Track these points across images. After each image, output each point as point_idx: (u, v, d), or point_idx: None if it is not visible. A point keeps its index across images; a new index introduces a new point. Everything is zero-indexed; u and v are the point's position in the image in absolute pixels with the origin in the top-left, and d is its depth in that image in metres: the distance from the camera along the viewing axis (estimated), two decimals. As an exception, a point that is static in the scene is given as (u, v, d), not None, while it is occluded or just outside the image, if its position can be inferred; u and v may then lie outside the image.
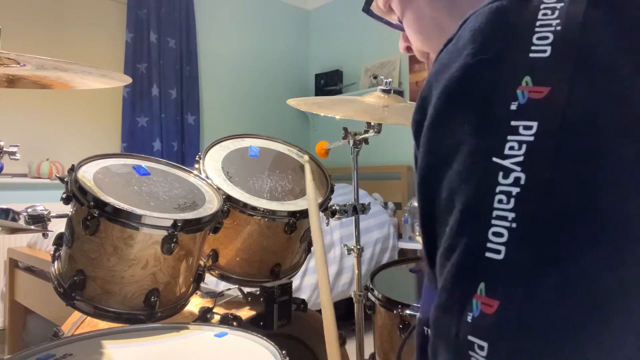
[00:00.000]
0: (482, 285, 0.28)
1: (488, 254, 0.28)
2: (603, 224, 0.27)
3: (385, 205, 3.38)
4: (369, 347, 1.22)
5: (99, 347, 0.77)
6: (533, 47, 0.29)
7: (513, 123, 0.28)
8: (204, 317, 1.04)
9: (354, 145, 1.32)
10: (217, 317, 1.05)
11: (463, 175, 0.30)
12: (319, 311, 1.46)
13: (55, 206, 0.97)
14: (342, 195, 2.88)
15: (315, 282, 2.44)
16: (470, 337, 0.28)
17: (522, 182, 0.28)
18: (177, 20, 3.46)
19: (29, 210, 0.92)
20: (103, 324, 0.95)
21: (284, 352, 0.72)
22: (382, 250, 2.94)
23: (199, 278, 1.01)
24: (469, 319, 0.28)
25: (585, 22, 0.28)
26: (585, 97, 0.28)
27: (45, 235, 0.95)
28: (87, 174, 0.91)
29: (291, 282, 1.16)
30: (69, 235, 0.89)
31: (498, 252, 0.28)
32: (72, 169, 0.89)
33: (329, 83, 4.18)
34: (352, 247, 1.34)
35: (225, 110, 3.87)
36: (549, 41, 0.29)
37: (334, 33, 4.34)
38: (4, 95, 2.73)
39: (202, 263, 1.05)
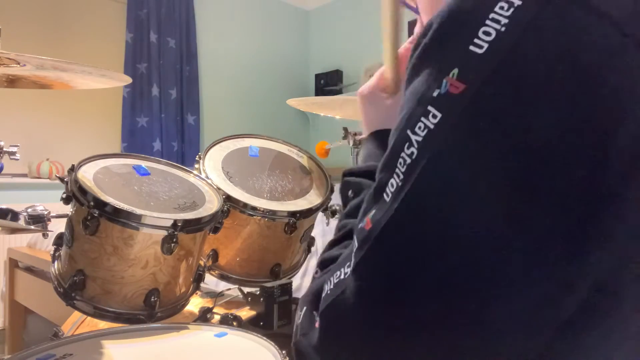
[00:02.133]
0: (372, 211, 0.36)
1: (383, 194, 0.34)
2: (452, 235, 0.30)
3: (385, 205, 3.38)
4: (369, 347, 1.21)
5: (99, 347, 0.77)
6: (475, 40, 0.29)
7: (429, 107, 0.31)
8: (204, 317, 1.04)
9: (354, 145, 1.32)
10: (217, 317, 1.05)
11: (393, 133, 0.35)
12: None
13: (55, 206, 0.97)
14: (342, 195, 2.88)
15: (315, 282, 2.44)
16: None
17: (414, 156, 0.32)
18: (177, 20, 3.46)
19: (29, 210, 0.92)
20: (103, 324, 0.95)
21: (284, 352, 0.72)
22: (382, 250, 2.94)
23: (199, 278, 1.01)
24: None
25: (527, 29, 0.28)
26: (485, 112, 0.29)
27: (45, 235, 0.95)
28: (87, 174, 0.91)
29: (291, 282, 1.16)
30: (69, 235, 0.89)
31: (387, 194, 0.34)
32: (72, 169, 0.89)
33: (329, 83, 4.18)
34: (352, 247, 1.33)
35: (225, 110, 3.87)
36: (490, 38, 0.29)
37: (334, 33, 4.34)
38: (4, 95, 2.73)
39: (202, 263, 1.05)
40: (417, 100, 0.32)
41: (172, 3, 3.44)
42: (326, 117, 1.21)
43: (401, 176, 0.32)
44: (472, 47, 0.29)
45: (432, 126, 0.30)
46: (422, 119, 0.31)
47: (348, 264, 0.36)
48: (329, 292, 0.37)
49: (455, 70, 0.30)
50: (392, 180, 0.33)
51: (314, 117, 4.42)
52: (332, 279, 0.38)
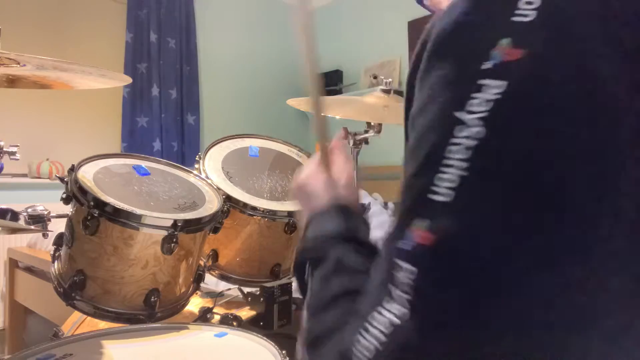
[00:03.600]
0: (419, 220, 0.31)
1: (431, 196, 0.31)
2: (545, 199, 0.29)
3: (385, 205, 3.37)
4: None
5: (99, 347, 0.77)
6: (517, 12, 0.30)
7: (480, 82, 0.30)
8: (204, 317, 1.04)
9: (354, 145, 1.32)
10: (217, 317, 1.05)
11: (429, 124, 0.33)
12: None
13: (55, 206, 0.97)
14: (342, 195, 2.88)
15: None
16: (398, 260, 0.31)
17: (481, 135, 0.29)
18: (177, 20, 3.46)
19: (29, 210, 0.92)
20: (103, 324, 0.95)
21: (284, 352, 0.72)
22: (382, 250, 2.94)
23: (199, 278, 1.01)
24: (404, 246, 0.31)
25: None
26: (556, 66, 0.29)
27: (45, 235, 0.95)
28: (87, 174, 0.91)
29: (291, 282, 1.16)
30: (69, 235, 0.89)
31: (441, 194, 0.30)
32: (72, 169, 0.89)
33: (329, 83, 4.17)
34: (352, 247, 1.33)
35: (225, 110, 3.87)
36: (534, 6, 0.30)
37: (334, 33, 4.34)
38: (4, 95, 2.73)
39: (202, 263, 1.05)
40: (455, 81, 0.31)
41: (172, 3, 3.43)
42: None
43: (464, 164, 0.29)
44: (516, 18, 0.30)
45: (498, 96, 0.29)
46: (476, 94, 0.30)
47: (383, 310, 0.31)
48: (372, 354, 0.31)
49: (506, 40, 0.29)
50: (442, 176, 0.30)
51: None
52: (360, 338, 0.32)
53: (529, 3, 0.30)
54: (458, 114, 0.30)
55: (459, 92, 0.31)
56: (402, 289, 0.31)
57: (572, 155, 0.29)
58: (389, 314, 0.31)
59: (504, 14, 0.30)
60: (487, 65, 0.30)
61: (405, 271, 0.31)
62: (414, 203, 0.32)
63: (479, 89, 0.30)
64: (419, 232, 0.30)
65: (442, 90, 0.32)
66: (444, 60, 0.32)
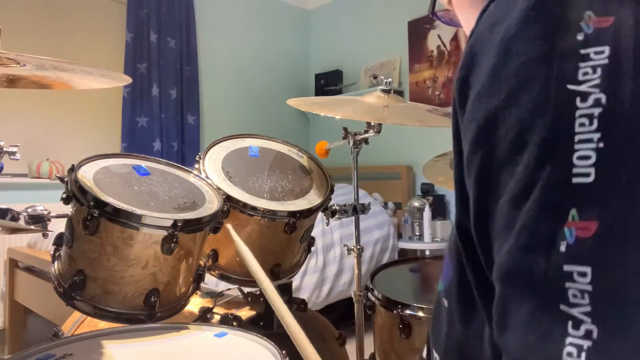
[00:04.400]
0: (573, 212, 0.27)
1: (576, 180, 0.28)
2: None
3: (385, 205, 3.38)
4: (369, 347, 1.22)
5: (99, 347, 0.77)
6: None
7: (582, 51, 0.29)
8: (204, 317, 1.04)
9: (354, 145, 1.32)
10: (217, 317, 1.05)
11: (537, 109, 0.30)
12: (319, 311, 1.46)
13: (55, 206, 0.97)
14: (342, 195, 2.88)
15: (315, 282, 2.45)
16: (567, 267, 0.27)
17: (604, 101, 0.28)
18: (177, 20, 3.46)
19: (29, 210, 0.92)
20: (103, 324, 0.95)
21: (284, 352, 0.72)
22: (382, 250, 2.94)
23: (199, 278, 1.01)
24: (563, 248, 0.27)
25: None
26: None
27: (45, 235, 0.95)
28: (87, 174, 0.91)
29: (291, 282, 1.16)
30: (69, 235, 0.89)
31: (587, 175, 0.27)
32: (72, 169, 0.89)
33: (329, 83, 4.18)
34: (352, 247, 1.34)
35: (225, 110, 3.87)
36: None
37: (334, 33, 4.34)
38: (4, 95, 2.73)
39: (202, 263, 1.05)
40: (553, 57, 0.30)
41: (172, 3, 3.44)
42: (326, 117, 1.21)
43: (597, 134, 0.27)
44: None
45: (605, 60, 0.28)
46: (581, 64, 0.29)
47: (566, 345, 0.26)
48: None
49: (589, 12, 0.29)
50: (581, 153, 0.28)
51: (314, 117, 4.42)
52: None
53: None
54: (572, 87, 0.29)
55: (564, 66, 0.29)
56: (578, 303, 0.26)
57: None
58: (573, 346, 0.26)
59: None
60: (581, 36, 0.29)
61: (578, 276, 0.27)
62: (556, 195, 0.28)
63: (583, 58, 0.29)
64: (576, 225, 0.27)
65: (537, 70, 0.30)
66: (529, 43, 0.31)
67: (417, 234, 3.09)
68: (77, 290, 0.86)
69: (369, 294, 1.10)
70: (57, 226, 0.92)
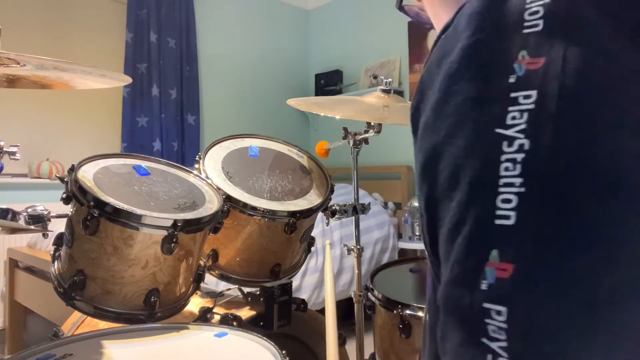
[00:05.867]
0: (494, 252, 0.29)
1: (498, 221, 0.29)
2: (604, 181, 0.28)
3: (385, 205, 3.38)
4: (369, 347, 1.22)
5: (99, 347, 0.77)
6: (526, 23, 0.30)
7: (512, 95, 0.30)
8: (204, 317, 1.04)
9: (354, 145, 1.32)
10: (217, 317, 1.05)
11: (468, 149, 0.31)
12: (319, 311, 1.46)
13: (55, 206, 0.97)
14: (342, 195, 2.88)
15: (315, 282, 2.45)
16: (485, 304, 0.28)
17: (526, 147, 0.29)
18: (177, 20, 3.46)
19: (29, 210, 0.92)
20: (103, 324, 0.95)
21: (284, 352, 0.72)
22: (382, 250, 2.94)
23: (199, 278, 1.01)
24: (484, 286, 0.29)
25: None
26: (580, 63, 0.29)
27: (45, 235, 0.95)
28: (87, 174, 0.91)
29: (291, 282, 1.16)
30: (69, 235, 0.89)
31: (508, 217, 0.29)
32: (72, 169, 0.89)
33: (329, 83, 4.18)
34: (352, 247, 1.34)
35: (225, 110, 3.87)
36: (540, 15, 0.30)
37: (334, 33, 4.34)
38: (4, 95, 2.73)
39: (202, 263, 1.05)
40: (486, 99, 0.31)
41: (172, 3, 3.44)
42: (326, 117, 1.21)
43: (519, 179, 0.29)
44: (526, 30, 0.30)
45: (532, 106, 0.29)
46: (510, 108, 0.30)
47: None
48: None
49: (524, 52, 0.30)
50: (503, 197, 0.29)
51: (314, 117, 4.42)
52: None
53: (535, 13, 0.30)
54: (500, 130, 0.30)
55: (495, 109, 0.30)
56: (497, 338, 0.28)
57: (619, 137, 0.29)
58: None
59: (514, 28, 0.31)
60: (513, 78, 0.30)
61: (496, 314, 0.28)
62: (481, 234, 0.30)
63: (512, 102, 0.30)
64: (496, 265, 0.28)
65: (472, 111, 0.32)
66: (466, 83, 0.32)
67: (417, 234, 3.09)
68: (77, 290, 0.86)
69: (369, 294, 1.10)
70: (57, 226, 0.92)
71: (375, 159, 3.63)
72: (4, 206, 0.94)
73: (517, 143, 0.29)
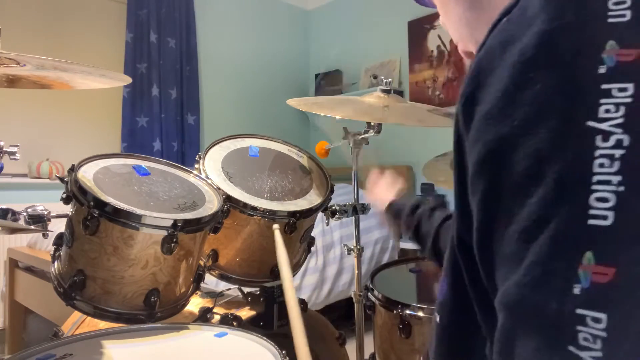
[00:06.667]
0: (589, 254, 0.27)
1: (592, 221, 0.27)
2: None
3: (385, 205, 3.37)
4: (369, 347, 1.22)
5: (99, 347, 0.77)
6: (610, 13, 0.28)
7: (604, 86, 0.28)
8: (204, 317, 1.04)
9: (354, 145, 1.32)
10: (217, 317, 1.05)
11: (555, 142, 0.29)
12: (319, 311, 1.46)
13: (55, 206, 0.97)
14: (342, 195, 2.88)
15: (315, 282, 2.45)
16: (580, 311, 0.26)
17: (626, 143, 0.27)
18: (177, 20, 3.46)
19: (29, 210, 0.92)
20: (103, 324, 0.95)
21: (284, 352, 0.72)
22: (382, 250, 2.94)
23: (199, 278, 1.01)
24: (577, 291, 0.27)
25: None
26: None
27: (45, 235, 0.95)
28: (87, 174, 0.91)
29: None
30: (69, 235, 0.89)
31: (604, 217, 0.27)
32: (72, 169, 0.89)
33: (329, 83, 4.18)
34: (352, 247, 1.34)
35: (225, 110, 3.87)
36: (627, 5, 0.28)
37: (334, 33, 4.34)
38: (4, 95, 2.73)
39: (202, 263, 1.05)
40: (573, 89, 0.29)
41: (172, 3, 3.43)
42: (326, 117, 1.21)
43: (618, 177, 0.26)
44: (611, 20, 0.28)
45: (629, 99, 0.27)
46: (603, 100, 0.27)
47: None
48: None
49: (612, 42, 0.28)
50: (598, 195, 0.27)
51: (314, 117, 4.42)
52: None
53: (621, 2, 0.28)
54: (592, 124, 0.28)
55: (584, 100, 0.28)
56: (589, 347, 0.26)
57: None
58: None
59: (598, 16, 0.29)
60: (603, 69, 0.28)
61: (592, 321, 0.26)
62: (571, 234, 0.28)
63: (605, 94, 0.28)
64: (592, 268, 0.26)
65: (555, 100, 0.29)
66: (546, 70, 0.30)
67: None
68: (77, 290, 0.86)
69: (369, 294, 1.10)
70: (57, 226, 0.92)
71: (375, 159, 3.63)
72: (4, 206, 0.94)
73: (613, 138, 0.27)
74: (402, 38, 3.69)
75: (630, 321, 0.26)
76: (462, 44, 0.50)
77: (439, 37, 3.45)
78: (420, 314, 0.98)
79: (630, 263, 0.26)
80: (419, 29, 3.57)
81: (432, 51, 3.50)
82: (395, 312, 1.01)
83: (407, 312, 0.99)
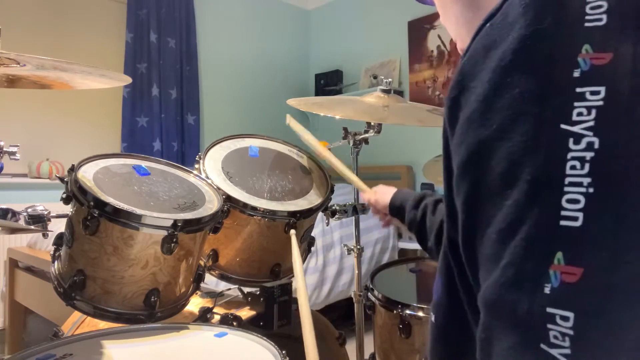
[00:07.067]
0: (559, 255, 0.27)
1: (563, 222, 0.27)
2: None
3: (385, 205, 3.37)
4: (369, 347, 1.22)
5: (99, 347, 0.77)
6: (587, 17, 0.29)
7: (578, 90, 0.28)
8: (204, 317, 1.04)
9: (354, 145, 1.32)
10: (217, 317, 1.05)
11: (528, 145, 0.29)
12: (319, 311, 1.46)
13: (55, 206, 0.97)
14: (342, 195, 2.88)
15: (315, 282, 2.45)
16: (550, 309, 0.27)
17: (596, 146, 0.27)
18: (177, 20, 3.46)
19: (29, 210, 0.92)
20: (103, 324, 0.95)
21: (284, 352, 0.72)
22: (382, 250, 2.94)
23: (199, 278, 1.01)
24: (547, 290, 0.27)
25: None
26: None
27: (45, 235, 0.95)
28: (87, 174, 0.91)
29: (291, 282, 1.16)
30: (69, 235, 0.89)
31: (575, 219, 0.27)
32: (72, 169, 0.89)
33: (329, 83, 4.18)
34: (352, 247, 1.34)
35: (225, 110, 3.87)
36: (603, 9, 0.29)
37: (334, 33, 4.34)
38: (4, 95, 2.73)
39: (202, 263, 1.05)
40: (548, 93, 0.29)
41: (172, 3, 3.43)
42: (326, 117, 1.21)
43: (587, 179, 0.27)
44: (588, 24, 0.29)
45: (600, 103, 0.27)
46: (576, 104, 0.28)
47: None
48: None
49: (587, 46, 0.28)
50: (570, 197, 0.27)
51: (314, 117, 4.42)
52: None
53: (597, 7, 0.29)
54: (565, 127, 0.28)
55: (559, 104, 0.29)
56: (559, 345, 0.27)
57: None
58: None
59: (576, 20, 0.29)
60: (577, 72, 0.28)
61: (561, 319, 0.27)
62: (543, 235, 0.28)
63: (578, 97, 0.28)
64: (561, 268, 0.27)
65: (532, 105, 0.30)
66: (524, 75, 0.30)
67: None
68: (77, 290, 0.86)
69: (369, 294, 1.10)
70: (57, 226, 0.92)
71: (375, 159, 3.63)
72: (4, 206, 0.94)
73: (585, 141, 0.27)
74: (402, 38, 3.69)
75: (596, 320, 0.26)
76: (461, 42, 0.50)
77: (439, 37, 3.45)
78: (420, 314, 0.98)
79: (596, 263, 0.27)
80: (419, 28, 3.57)
81: (432, 51, 3.50)
82: (395, 312, 1.01)
83: (407, 312, 0.99)
